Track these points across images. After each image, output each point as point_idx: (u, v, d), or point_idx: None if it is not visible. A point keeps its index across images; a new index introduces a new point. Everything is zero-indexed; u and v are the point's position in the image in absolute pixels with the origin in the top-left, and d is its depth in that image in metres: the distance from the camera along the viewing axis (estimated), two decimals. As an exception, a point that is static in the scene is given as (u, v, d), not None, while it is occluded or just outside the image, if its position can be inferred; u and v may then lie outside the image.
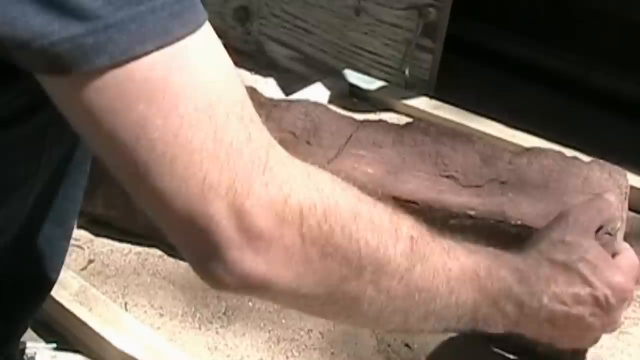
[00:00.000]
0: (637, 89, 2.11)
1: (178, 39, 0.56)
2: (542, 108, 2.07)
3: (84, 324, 1.16)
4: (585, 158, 1.26)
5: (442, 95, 1.93)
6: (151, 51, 0.55)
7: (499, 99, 2.02)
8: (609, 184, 1.12)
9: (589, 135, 1.86)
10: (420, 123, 1.29)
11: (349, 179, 1.11)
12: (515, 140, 1.76)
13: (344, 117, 1.34)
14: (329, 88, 1.95)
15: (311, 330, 1.22)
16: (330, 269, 0.63)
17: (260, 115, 0.62)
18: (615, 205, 0.94)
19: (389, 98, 1.93)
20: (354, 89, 1.97)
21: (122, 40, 0.54)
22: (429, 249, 0.67)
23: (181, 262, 1.29)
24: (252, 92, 1.44)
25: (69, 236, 0.92)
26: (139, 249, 1.38)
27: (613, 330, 0.89)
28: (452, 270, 0.69)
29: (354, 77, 2.01)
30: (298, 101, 1.44)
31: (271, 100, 1.41)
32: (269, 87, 2.07)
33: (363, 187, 0.69)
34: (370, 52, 2.05)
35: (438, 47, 1.97)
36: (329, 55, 2.12)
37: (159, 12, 0.54)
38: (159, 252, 1.37)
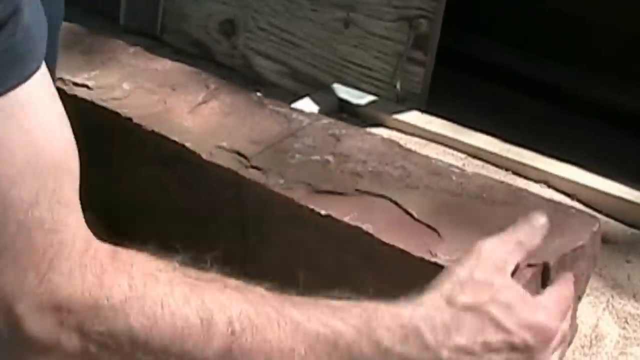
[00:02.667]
0: (636, 101, 2.09)
1: None
2: (537, 121, 2.04)
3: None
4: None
5: (434, 109, 1.90)
6: None
7: (493, 113, 1.99)
8: None
9: (585, 148, 1.84)
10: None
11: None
12: (510, 155, 1.73)
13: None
14: (317, 103, 1.92)
15: None
16: None
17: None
18: (540, 234, 0.79)
19: (379, 113, 1.90)
20: (344, 104, 1.94)
21: None
22: (258, 338, 0.60)
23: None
24: None
25: None
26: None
27: None
28: (296, 351, 0.61)
29: (343, 91, 1.98)
30: None
31: None
32: (256, 103, 2.04)
33: None
34: (359, 65, 2.03)
35: (430, 60, 1.95)
36: (317, 69, 2.09)
37: None
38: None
